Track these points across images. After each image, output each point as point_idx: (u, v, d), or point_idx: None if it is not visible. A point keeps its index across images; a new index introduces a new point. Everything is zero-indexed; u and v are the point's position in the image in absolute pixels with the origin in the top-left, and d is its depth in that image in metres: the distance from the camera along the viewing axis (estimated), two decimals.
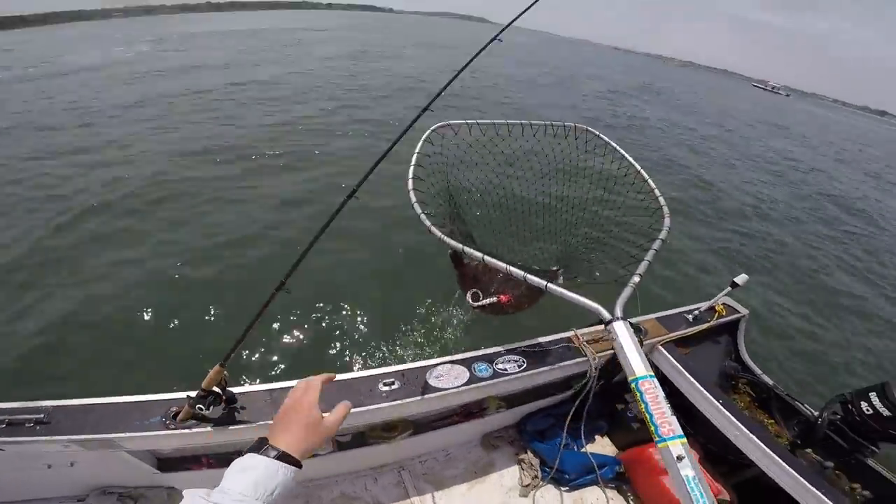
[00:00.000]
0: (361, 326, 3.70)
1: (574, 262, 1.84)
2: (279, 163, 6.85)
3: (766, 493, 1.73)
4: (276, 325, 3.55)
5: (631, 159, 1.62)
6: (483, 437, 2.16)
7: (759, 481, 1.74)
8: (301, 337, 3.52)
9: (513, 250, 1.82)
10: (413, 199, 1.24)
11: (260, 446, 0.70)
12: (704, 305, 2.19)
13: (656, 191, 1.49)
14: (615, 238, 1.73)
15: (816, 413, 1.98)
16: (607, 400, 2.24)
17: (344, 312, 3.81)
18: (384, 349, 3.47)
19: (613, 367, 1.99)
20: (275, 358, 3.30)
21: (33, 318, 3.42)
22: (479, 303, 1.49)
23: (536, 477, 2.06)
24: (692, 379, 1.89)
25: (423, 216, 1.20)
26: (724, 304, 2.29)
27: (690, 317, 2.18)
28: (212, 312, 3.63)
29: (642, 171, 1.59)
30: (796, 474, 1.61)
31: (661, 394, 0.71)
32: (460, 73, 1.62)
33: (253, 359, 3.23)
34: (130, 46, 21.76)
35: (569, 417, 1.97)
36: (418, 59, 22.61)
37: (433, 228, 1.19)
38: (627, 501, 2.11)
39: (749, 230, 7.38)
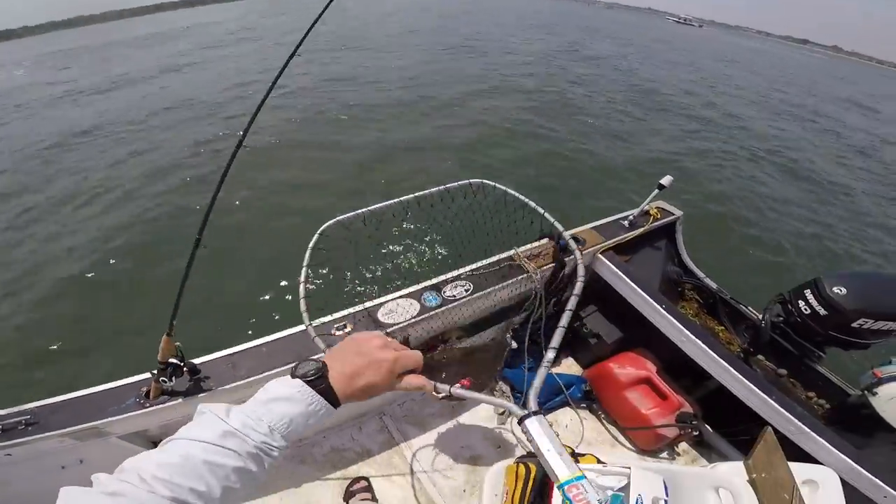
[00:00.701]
0: (310, 276, 3.61)
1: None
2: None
3: (729, 404, 1.75)
4: (216, 287, 3.56)
5: (533, 204, 1.53)
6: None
7: (723, 391, 1.76)
8: (246, 295, 3.55)
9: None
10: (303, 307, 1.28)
11: (315, 373, 0.61)
12: (637, 210, 2.23)
13: (566, 234, 1.52)
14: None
15: (760, 316, 2.00)
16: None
17: (288, 264, 3.68)
18: (332, 296, 3.38)
19: (560, 281, 2.07)
20: (224, 322, 3.32)
21: None
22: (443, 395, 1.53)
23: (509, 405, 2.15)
24: (636, 287, 1.94)
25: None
26: (658, 207, 2.34)
27: (626, 223, 2.22)
28: (144, 285, 3.65)
29: (547, 214, 1.53)
30: (752, 385, 1.64)
31: (593, 498, 0.57)
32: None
33: (204, 326, 3.23)
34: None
35: (527, 339, 2.04)
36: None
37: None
38: (599, 419, 2.23)
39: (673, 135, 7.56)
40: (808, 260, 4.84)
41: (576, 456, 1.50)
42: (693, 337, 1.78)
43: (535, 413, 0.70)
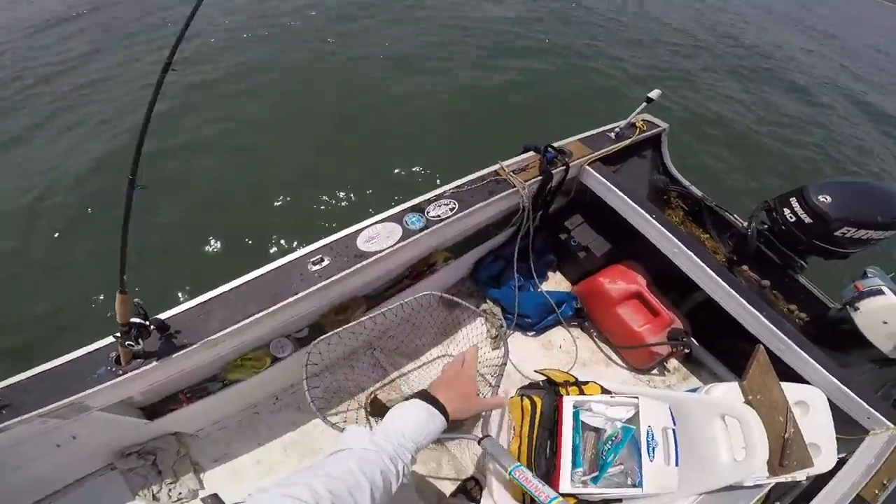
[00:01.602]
0: (274, 206, 3.37)
1: None
2: None
3: (718, 319, 1.74)
4: (170, 233, 3.11)
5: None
6: (441, 296, 2.21)
7: (710, 305, 1.76)
8: (206, 237, 3.12)
9: None
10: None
11: (425, 396, 0.79)
12: (623, 123, 2.16)
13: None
14: None
15: (745, 224, 1.99)
16: (551, 232, 2.29)
17: (248, 197, 3.46)
18: (304, 226, 3.22)
19: (547, 195, 2.00)
20: (187, 269, 2.94)
21: None
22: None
23: (502, 326, 2.13)
24: (624, 196, 1.90)
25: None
26: (644, 119, 2.27)
27: (612, 134, 2.15)
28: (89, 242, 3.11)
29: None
30: (743, 300, 1.62)
31: (529, 473, 0.80)
32: None
33: (163, 278, 2.80)
34: None
35: (515, 255, 2.02)
36: None
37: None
38: (591, 338, 2.24)
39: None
40: (792, 169, 4.90)
41: (579, 384, 1.47)
42: (683, 247, 1.75)
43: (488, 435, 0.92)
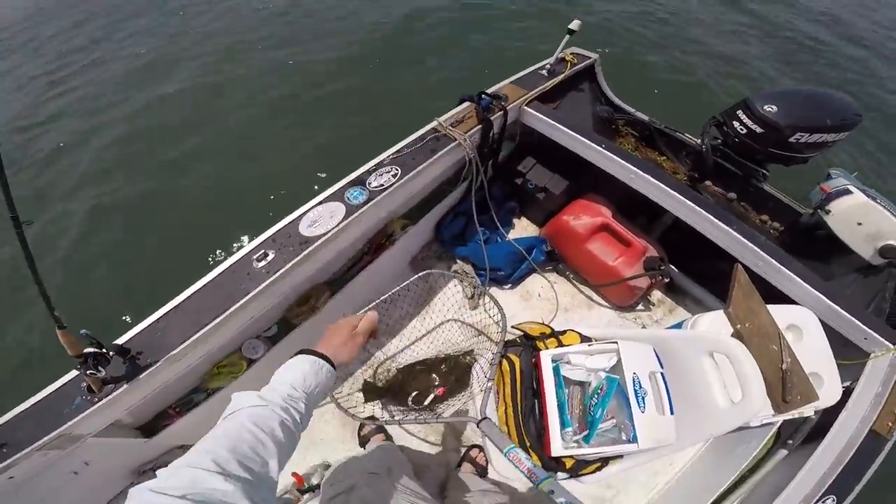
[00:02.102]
0: (198, 209, 3.12)
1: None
2: None
3: (692, 242, 1.69)
4: (98, 261, 2.87)
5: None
6: (410, 263, 2.19)
7: (680, 226, 1.71)
8: (138, 258, 2.92)
9: None
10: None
11: (304, 351, 0.80)
12: (552, 59, 2.08)
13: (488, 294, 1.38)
14: None
15: (698, 141, 1.96)
16: (506, 179, 2.24)
17: (176, 201, 3.20)
18: (240, 226, 2.91)
19: (491, 143, 1.93)
20: (125, 289, 2.74)
21: None
22: (425, 404, 1.61)
23: (477, 286, 2.07)
24: (569, 131, 1.84)
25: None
26: (572, 53, 2.18)
27: (544, 72, 2.08)
28: None
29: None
30: (710, 216, 1.57)
31: (522, 455, 0.81)
32: None
33: (100, 304, 2.64)
34: None
35: (474, 209, 1.97)
36: None
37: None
38: (569, 280, 2.21)
39: None
40: (729, 82, 4.73)
41: (556, 335, 1.40)
42: (640, 171, 1.70)
43: (486, 417, 0.93)
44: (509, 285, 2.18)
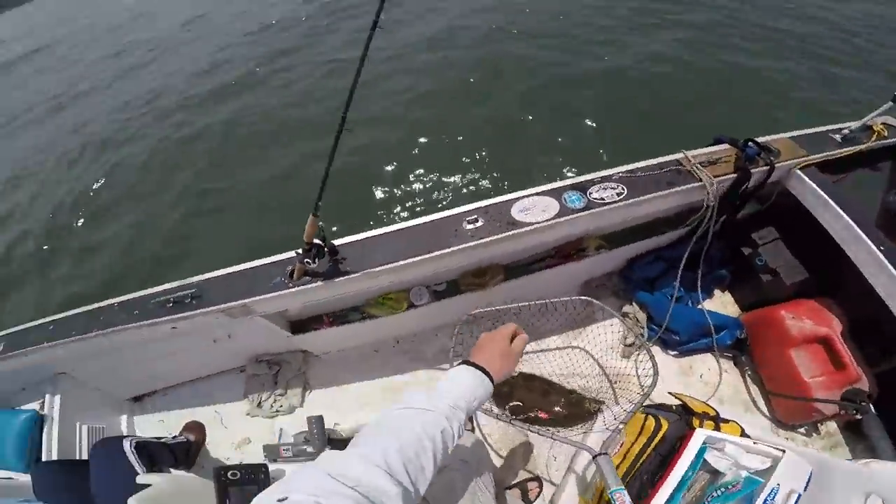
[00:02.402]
0: (443, 161, 3.59)
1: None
2: None
3: None
4: (357, 169, 3.55)
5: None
6: (583, 285, 2.08)
7: None
8: (380, 181, 3.49)
9: None
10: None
11: (468, 363, 0.82)
12: (857, 124, 1.70)
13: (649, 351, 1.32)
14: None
15: None
16: (731, 241, 1.93)
17: (421, 148, 3.73)
18: (468, 185, 3.35)
19: (739, 196, 1.68)
20: (363, 205, 3.31)
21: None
22: (521, 417, 1.59)
23: (642, 335, 1.90)
24: (842, 213, 1.52)
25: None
26: (885, 123, 1.76)
27: (838, 136, 1.72)
28: (294, 162, 3.82)
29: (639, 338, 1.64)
30: None
31: (629, 499, 0.82)
32: None
33: (343, 208, 3.24)
34: None
35: (683, 261, 1.75)
36: None
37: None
38: (743, 375, 1.89)
39: None
40: None
41: (718, 420, 1.29)
42: None
43: (605, 453, 0.94)
44: (676, 353, 1.93)
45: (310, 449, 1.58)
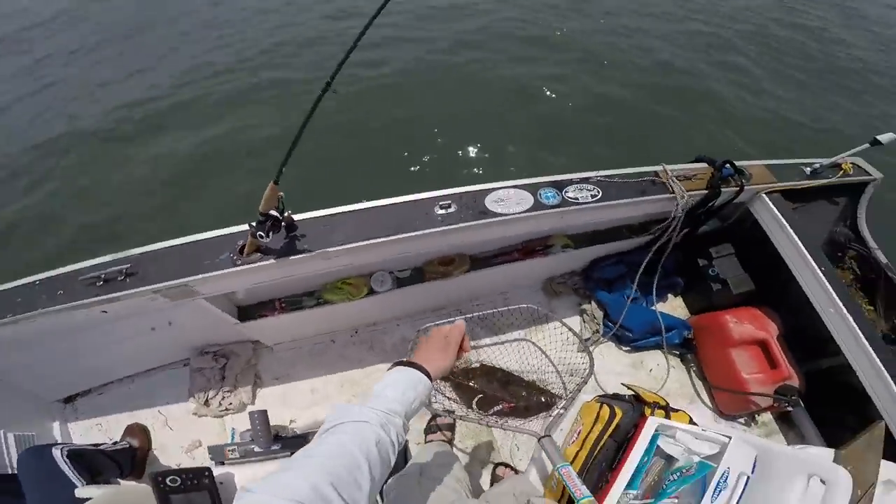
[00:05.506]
0: (421, 142, 3.46)
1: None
2: None
3: (842, 389, 1.62)
4: (328, 141, 3.29)
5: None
6: (545, 281, 2.10)
7: (834, 376, 1.67)
8: (357, 153, 3.31)
9: None
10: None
11: (403, 363, 0.80)
12: (827, 161, 1.84)
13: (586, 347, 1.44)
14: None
15: None
16: (688, 253, 2.05)
17: (401, 126, 3.58)
18: (444, 169, 3.31)
19: (704, 212, 1.75)
20: (330, 178, 3.10)
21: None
22: (492, 412, 1.58)
23: (598, 332, 1.99)
24: (794, 236, 1.66)
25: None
26: (853, 163, 1.91)
27: (808, 170, 1.85)
28: (261, 126, 3.50)
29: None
30: (882, 368, 1.44)
31: (574, 473, 0.83)
32: None
33: (307, 181, 2.98)
34: None
35: (642, 267, 1.83)
36: None
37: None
38: (689, 372, 2.05)
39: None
40: None
41: (668, 409, 1.37)
42: (844, 310, 1.54)
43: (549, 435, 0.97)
44: (628, 349, 2.05)
45: (257, 448, 1.43)
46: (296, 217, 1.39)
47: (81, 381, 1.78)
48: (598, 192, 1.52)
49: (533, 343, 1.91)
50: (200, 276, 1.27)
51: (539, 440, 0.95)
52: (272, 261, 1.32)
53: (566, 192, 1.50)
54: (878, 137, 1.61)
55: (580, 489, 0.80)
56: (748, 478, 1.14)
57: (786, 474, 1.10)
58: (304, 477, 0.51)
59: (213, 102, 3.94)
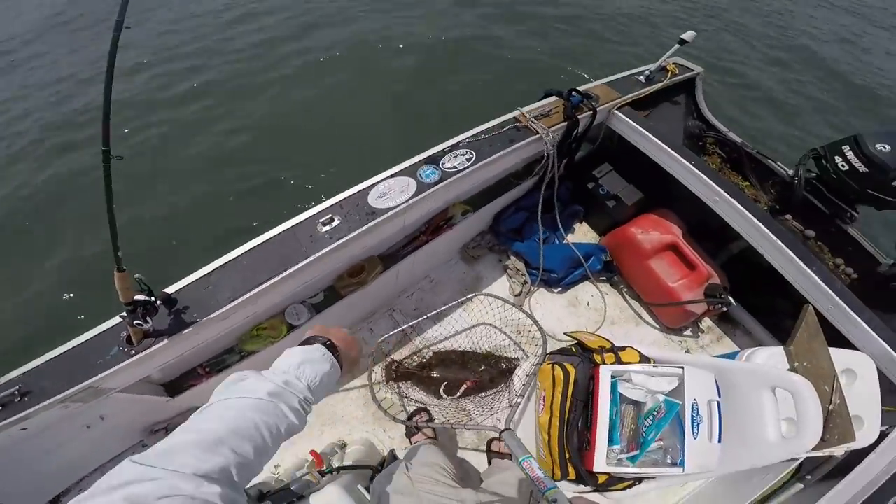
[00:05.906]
0: (275, 165, 3.16)
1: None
2: None
3: (757, 272, 1.65)
4: (164, 204, 2.92)
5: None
6: (461, 250, 2.11)
7: (751, 257, 1.67)
8: (209, 203, 2.94)
9: None
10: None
11: (328, 344, 0.77)
12: (654, 66, 1.98)
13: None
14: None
15: (791, 172, 1.86)
16: (576, 180, 2.14)
17: (254, 155, 3.26)
18: (312, 185, 3.02)
19: (572, 141, 1.83)
20: (187, 239, 2.73)
21: None
22: (458, 395, 1.64)
23: (526, 283, 2.03)
24: (658, 141, 1.75)
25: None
26: (675, 63, 2.07)
27: (642, 78, 1.98)
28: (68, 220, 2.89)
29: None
30: (791, 254, 1.51)
31: (536, 465, 0.82)
32: None
33: (162, 249, 2.61)
34: None
35: (539, 206, 1.88)
36: None
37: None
38: (621, 293, 2.14)
39: None
40: (842, 118, 4.32)
41: (615, 350, 1.38)
42: (725, 194, 1.61)
43: (510, 429, 0.94)
44: (559, 289, 2.09)
45: None
46: (170, 290, 1.25)
47: (55, 486, 1.62)
48: (472, 153, 1.52)
49: (477, 321, 1.93)
50: (101, 374, 1.15)
51: (500, 434, 0.96)
52: (166, 341, 1.19)
53: (443, 163, 1.49)
54: (682, 36, 1.75)
55: (544, 481, 0.80)
56: (717, 403, 1.18)
57: (750, 389, 1.13)
58: (196, 446, 0.50)
59: None
